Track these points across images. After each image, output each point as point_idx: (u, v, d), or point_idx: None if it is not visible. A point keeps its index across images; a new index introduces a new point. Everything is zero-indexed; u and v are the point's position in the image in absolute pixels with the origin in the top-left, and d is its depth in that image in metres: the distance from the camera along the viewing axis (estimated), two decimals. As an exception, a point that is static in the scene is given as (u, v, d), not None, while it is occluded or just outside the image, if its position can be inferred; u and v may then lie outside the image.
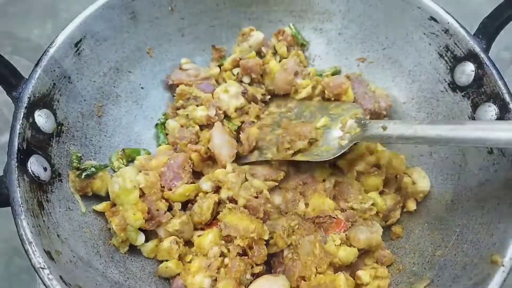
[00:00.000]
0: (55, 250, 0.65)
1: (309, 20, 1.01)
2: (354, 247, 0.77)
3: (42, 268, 0.61)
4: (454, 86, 0.85)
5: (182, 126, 0.93)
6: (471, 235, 0.72)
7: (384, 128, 0.75)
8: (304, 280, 0.75)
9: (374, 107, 0.91)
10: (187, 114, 0.93)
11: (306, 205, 0.84)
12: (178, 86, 0.95)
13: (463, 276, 0.67)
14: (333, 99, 0.93)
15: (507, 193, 0.70)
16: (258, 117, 0.95)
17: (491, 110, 0.77)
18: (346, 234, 0.78)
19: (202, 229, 0.84)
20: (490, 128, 0.64)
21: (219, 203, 0.85)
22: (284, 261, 0.79)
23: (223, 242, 0.78)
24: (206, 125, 0.92)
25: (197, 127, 0.92)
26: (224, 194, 0.83)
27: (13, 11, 2.18)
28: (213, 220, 0.84)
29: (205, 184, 0.86)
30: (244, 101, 0.94)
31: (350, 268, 0.78)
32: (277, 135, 0.89)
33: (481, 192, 0.75)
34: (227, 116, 0.93)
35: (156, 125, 0.96)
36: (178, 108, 0.95)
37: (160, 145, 0.94)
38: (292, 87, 0.96)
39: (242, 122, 0.94)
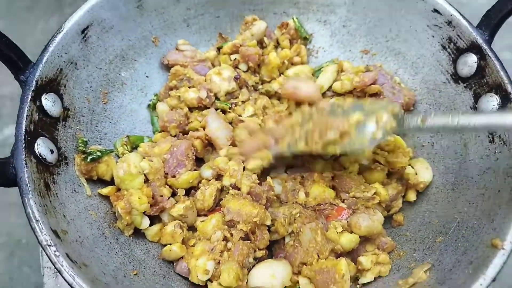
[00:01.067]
0: (62, 230, 0.66)
1: (313, 12, 1.03)
2: (355, 234, 0.78)
3: (49, 246, 0.62)
4: (456, 78, 0.87)
5: (173, 108, 0.95)
6: (472, 221, 0.73)
7: (423, 121, 0.72)
8: (306, 265, 0.76)
9: (404, 101, 0.91)
10: (179, 96, 0.94)
11: (307, 194, 0.85)
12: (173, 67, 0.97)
13: (463, 260, 0.68)
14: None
15: (508, 180, 0.71)
16: (245, 102, 0.97)
17: (492, 100, 0.78)
18: (347, 221, 0.80)
19: (205, 215, 0.85)
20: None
21: (221, 190, 0.86)
22: (285, 247, 0.80)
23: (226, 227, 0.79)
24: (197, 107, 0.94)
25: (186, 109, 0.93)
26: (226, 181, 0.84)
27: (18, 5, 2.21)
28: (216, 207, 0.85)
29: (206, 172, 0.87)
30: (236, 85, 0.95)
31: (352, 254, 0.79)
32: (307, 130, 0.84)
33: (482, 180, 0.76)
34: (217, 99, 0.95)
35: (148, 105, 0.98)
36: (171, 88, 0.97)
37: (155, 131, 0.96)
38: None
39: (231, 104, 0.95)
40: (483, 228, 0.70)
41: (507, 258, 0.63)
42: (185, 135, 0.91)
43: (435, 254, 0.75)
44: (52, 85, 0.78)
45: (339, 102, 0.87)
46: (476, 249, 0.68)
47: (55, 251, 0.62)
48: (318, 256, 0.76)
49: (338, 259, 0.75)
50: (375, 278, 0.77)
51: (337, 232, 0.78)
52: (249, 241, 0.78)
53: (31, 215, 0.64)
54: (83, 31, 0.84)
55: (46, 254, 0.62)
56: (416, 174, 0.85)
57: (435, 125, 0.71)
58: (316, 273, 0.74)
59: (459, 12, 0.85)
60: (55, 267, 0.61)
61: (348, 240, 0.77)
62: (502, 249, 0.64)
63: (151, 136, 0.95)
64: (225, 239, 0.78)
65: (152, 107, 0.97)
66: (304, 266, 0.76)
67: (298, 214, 0.81)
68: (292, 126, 0.86)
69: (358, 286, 0.77)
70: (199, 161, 0.91)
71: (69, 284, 0.60)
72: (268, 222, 0.79)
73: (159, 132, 0.95)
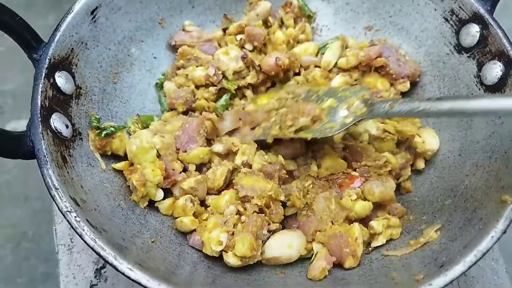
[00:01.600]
0: (80, 198, 0.68)
1: (316, -9, 1.05)
2: (368, 201, 0.81)
3: (69, 212, 0.64)
4: (459, 48, 0.89)
5: (180, 86, 0.96)
6: (480, 182, 0.75)
7: (392, 106, 0.76)
8: (320, 232, 0.78)
9: (410, 73, 0.93)
10: (187, 74, 0.96)
11: (319, 166, 0.88)
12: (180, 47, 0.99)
13: (474, 218, 0.70)
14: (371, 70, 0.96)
15: (514, 140, 0.73)
16: (254, 85, 0.99)
17: (496, 67, 0.80)
18: (361, 189, 0.82)
19: (215, 194, 0.87)
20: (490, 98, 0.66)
21: (232, 172, 0.87)
22: (298, 217, 0.82)
23: (239, 202, 0.81)
24: (205, 85, 0.96)
25: (193, 86, 0.95)
26: (239, 159, 0.86)
27: (16, 3, 2.23)
28: (226, 188, 0.87)
29: (217, 146, 0.89)
30: (243, 65, 0.97)
31: (364, 221, 0.81)
32: (281, 115, 0.89)
33: (488, 144, 0.78)
34: (225, 77, 0.97)
35: (156, 84, 0.99)
36: (178, 68, 0.99)
37: (163, 111, 0.98)
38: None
39: (238, 87, 0.97)
40: (491, 188, 0.72)
41: (516, 212, 0.65)
42: (194, 113, 0.93)
43: (444, 215, 0.77)
44: (64, 63, 0.80)
45: (314, 89, 0.91)
46: (485, 207, 0.70)
47: (75, 217, 0.63)
48: (332, 223, 0.79)
49: (352, 224, 0.78)
50: (386, 241, 0.79)
51: (351, 200, 0.80)
52: (263, 214, 0.79)
53: (50, 184, 0.66)
54: (92, 12, 0.86)
55: (67, 220, 0.63)
56: (424, 142, 0.87)
57: (401, 110, 0.74)
58: (330, 238, 0.76)
59: (460, -17, 0.87)
60: (76, 232, 0.63)
61: (362, 207, 0.79)
62: (511, 204, 0.66)
63: (160, 115, 0.97)
64: (238, 213, 0.80)
65: (160, 86, 0.99)
66: (318, 232, 0.78)
67: (311, 185, 0.83)
68: (268, 111, 0.91)
69: (370, 249, 0.79)
70: (209, 143, 0.92)
71: (90, 247, 0.62)
72: (282, 198, 0.81)
73: (167, 112, 0.97)
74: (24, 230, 1.73)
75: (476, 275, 0.88)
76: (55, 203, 0.64)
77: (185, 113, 0.95)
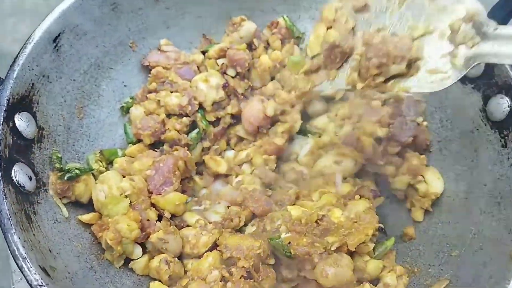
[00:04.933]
0: (50, 266, 0.69)
1: (305, 9, 1.07)
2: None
3: (40, 286, 0.64)
4: (463, 78, 0.92)
5: (150, 113, 0.95)
6: (488, 232, 0.79)
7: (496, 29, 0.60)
8: None
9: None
10: (159, 100, 0.95)
11: None
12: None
13: (483, 275, 0.74)
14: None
15: (524, 187, 0.77)
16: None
17: (503, 102, 0.84)
18: None
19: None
20: None
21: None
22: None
23: (223, 266, 0.80)
24: (178, 115, 0.96)
25: (163, 115, 0.95)
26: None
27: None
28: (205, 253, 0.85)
29: (214, 216, 0.90)
30: (224, 95, 0.98)
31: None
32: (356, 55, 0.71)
33: (497, 188, 0.82)
34: (202, 108, 0.97)
35: (122, 107, 0.99)
36: (150, 91, 0.98)
37: (129, 142, 0.96)
38: None
39: (217, 118, 0.98)
40: (500, 240, 0.76)
41: (528, 271, 0.69)
42: (163, 146, 0.94)
43: (451, 269, 0.80)
44: (24, 102, 0.80)
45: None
46: (495, 262, 0.74)
47: (47, 292, 0.64)
48: None
49: (362, 284, 0.79)
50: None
51: (364, 261, 0.81)
52: (252, 280, 0.78)
53: (17, 253, 0.66)
54: (54, 40, 0.86)
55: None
56: (427, 184, 0.90)
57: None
58: None
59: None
60: (49, 309, 0.63)
61: (375, 267, 0.81)
62: (523, 262, 0.70)
63: (124, 147, 0.96)
64: (223, 279, 0.78)
65: (126, 111, 0.98)
66: None
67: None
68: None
69: None
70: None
71: (66, 326, 0.62)
72: (272, 262, 0.80)
73: (133, 144, 0.95)
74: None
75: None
76: (23, 275, 0.65)
77: (152, 144, 0.95)
